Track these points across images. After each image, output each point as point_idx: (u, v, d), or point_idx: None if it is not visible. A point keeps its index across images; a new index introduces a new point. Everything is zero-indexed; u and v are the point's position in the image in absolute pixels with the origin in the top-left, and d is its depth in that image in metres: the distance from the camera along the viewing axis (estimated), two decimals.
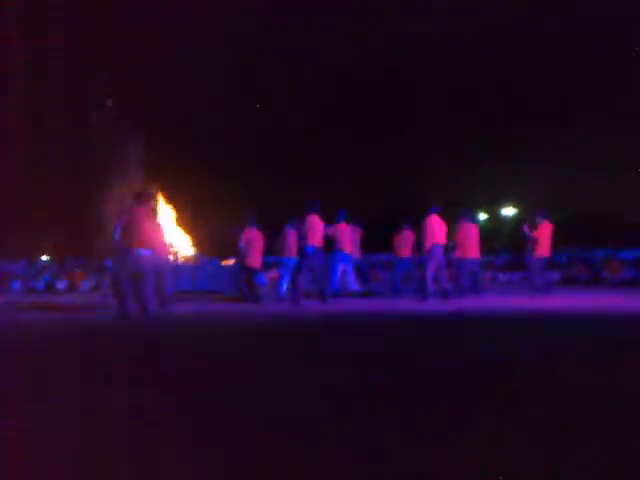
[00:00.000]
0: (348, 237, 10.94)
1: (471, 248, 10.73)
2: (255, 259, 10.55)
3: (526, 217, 11.34)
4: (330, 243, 10.26)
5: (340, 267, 10.92)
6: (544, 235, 10.74)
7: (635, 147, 41.77)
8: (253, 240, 10.49)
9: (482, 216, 43.74)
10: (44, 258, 30.81)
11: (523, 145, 52.27)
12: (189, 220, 18.74)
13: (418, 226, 10.16)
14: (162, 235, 8.72)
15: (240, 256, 10.57)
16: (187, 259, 17.70)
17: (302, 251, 9.13)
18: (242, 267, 10.61)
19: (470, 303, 8.61)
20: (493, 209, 42.72)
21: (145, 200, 7.79)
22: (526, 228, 11.01)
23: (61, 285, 22.49)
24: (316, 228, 9.17)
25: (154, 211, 8.72)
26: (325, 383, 2.61)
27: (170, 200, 18.50)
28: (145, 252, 7.48)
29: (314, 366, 3.12)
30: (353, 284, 11.20)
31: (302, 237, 9.16)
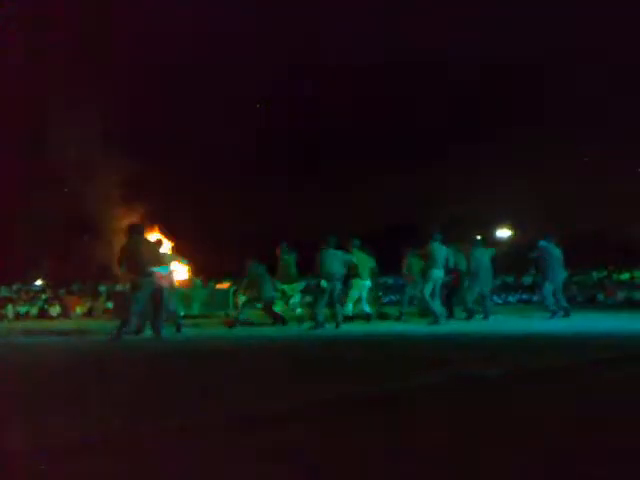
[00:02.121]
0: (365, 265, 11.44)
1: (482, 273, 11.05)
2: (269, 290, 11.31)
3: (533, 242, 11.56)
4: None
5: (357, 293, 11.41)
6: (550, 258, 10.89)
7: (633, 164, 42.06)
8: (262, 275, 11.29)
9: (478, 237, 43.67)
10: (38, 283, 30.61)
11: (518, 164, 52.55)
12: (184, 243, 18.65)
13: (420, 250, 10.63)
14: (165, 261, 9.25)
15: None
16: (181, 283, 17.61)
17: (329, 278, 9.62)
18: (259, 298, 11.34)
19: (472, 325, 8.83)
20: (488, 230, 42.87)
21: (142, 230, 8.39)
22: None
23: (54, 310, 22.34)
24: (336, 259, 9.80)
25: (159, 242, 9.35)
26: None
27: (165, 224, 18.45)
28: (163, 271, 8.19)
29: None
30: (365, 307, 11.52)
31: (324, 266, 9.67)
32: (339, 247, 10.13)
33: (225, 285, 18.60)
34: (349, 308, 11.23)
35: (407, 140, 52.98)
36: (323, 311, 9.76)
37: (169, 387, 3.48)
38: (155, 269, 7.92)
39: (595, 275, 26.56)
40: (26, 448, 2.02)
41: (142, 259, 7.76)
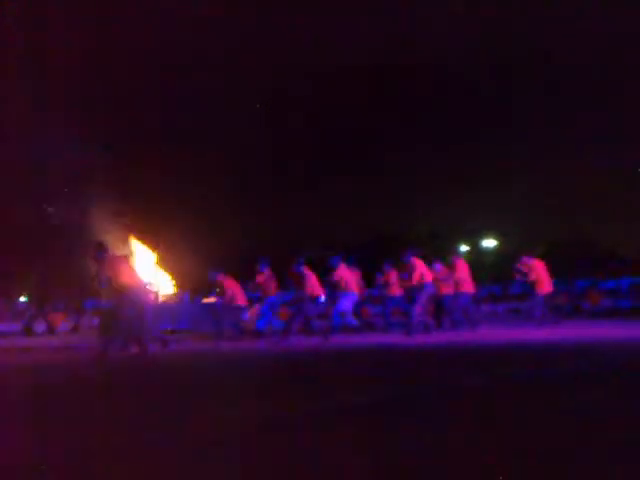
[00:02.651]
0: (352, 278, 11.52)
1: (466, 283, 11.20)
2: (241, 298, 11.36)
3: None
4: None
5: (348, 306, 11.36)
6: (538, 272, 11.12)
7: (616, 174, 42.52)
8: (233, 285, 11.40)
9: (463, 248, 44.08)
10: (22, 299, 30.23)
11: (503, 175, 52.91)
12: (169, 258, 18.53)
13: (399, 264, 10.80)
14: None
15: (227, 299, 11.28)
16: (167, 298, 17.51)
17: (315, 300, 10.06)
18: (230, 307, 11.25)
19: (460, 336, 8.89)
20: (474, 240, 43.12)
21: (108, 248, 8.14)
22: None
23: (39, 327, 22.05)
24: (314, 279, 10.14)
25: (127, 258, 9.24)
26: None
27: (148, 237, 18.31)
28: (148, 286, 7.85)
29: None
30: (352, 320, 11.56)
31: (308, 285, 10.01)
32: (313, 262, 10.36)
33: (211, 299, 18.49)
34: (347, 320, 11.25)
35: (392, 150, 53.27)
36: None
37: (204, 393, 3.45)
38: (140, 284, 7.87)
39: (580, 283, 26.71)
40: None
41: (122, 277, 7.66)
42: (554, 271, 11.63)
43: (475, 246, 42.97)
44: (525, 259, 11.33)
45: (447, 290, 11.25)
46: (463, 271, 11.27)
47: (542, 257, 11.79)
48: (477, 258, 41.53)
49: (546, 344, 6.76)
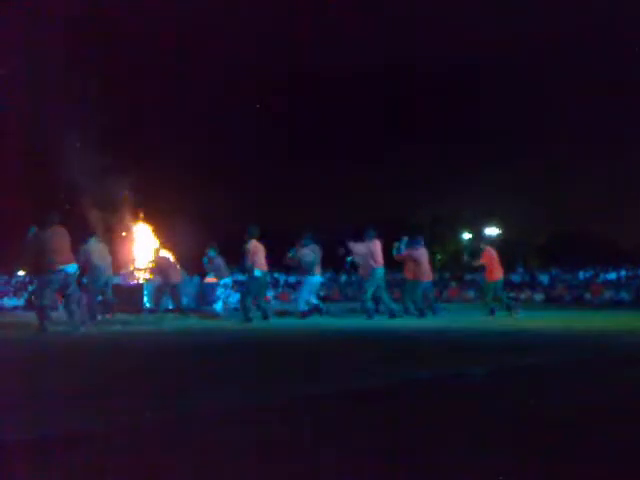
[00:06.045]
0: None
1: (425, 271, 11.45)
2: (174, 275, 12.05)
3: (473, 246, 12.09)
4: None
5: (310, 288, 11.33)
6: (490, 260, 11.38)
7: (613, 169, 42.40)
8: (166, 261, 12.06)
9: (466, 235, 44.04)
10: (20, 273, 30.07)
11: (509, 164, 52.72)
12: (170, 237, 18.45)
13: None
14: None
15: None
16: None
17: (251, 274, 9.83)
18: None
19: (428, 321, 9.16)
20: (477, 228, 43.06)
21: (56, 220, 7.99)
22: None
23: None
24: (261, 253, 9.97)
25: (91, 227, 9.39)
26: None
27: (150, 217, 18.22)
28: (71, 269, 7.92)
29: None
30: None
31: (249, 261, 9.84)
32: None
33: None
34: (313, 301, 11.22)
35: (392, 138, 52.96)
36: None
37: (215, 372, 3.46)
38: (63, 267, 7.77)
39: (582, 274, 26.71)
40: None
41: (51, 255, 7.68)
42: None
43: (477, 233, 42.92)
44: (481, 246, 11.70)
45: (408, 275, 11.52)
46: (420, 260, 11.38)
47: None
48: (479, 246, 41.40)
49: (547, 334, 6.77)
